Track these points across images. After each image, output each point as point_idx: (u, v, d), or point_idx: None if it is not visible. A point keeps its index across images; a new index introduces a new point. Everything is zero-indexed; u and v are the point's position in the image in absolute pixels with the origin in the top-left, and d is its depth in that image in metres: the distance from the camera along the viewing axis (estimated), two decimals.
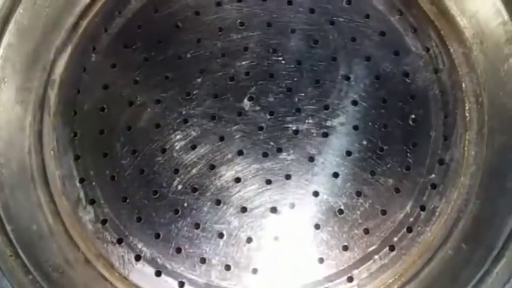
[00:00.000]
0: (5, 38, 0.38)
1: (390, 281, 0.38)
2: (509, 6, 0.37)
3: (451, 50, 0.41)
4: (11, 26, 0.39)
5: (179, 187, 0.39)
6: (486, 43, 0.39)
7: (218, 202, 0.39)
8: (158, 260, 0.38)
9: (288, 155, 0.40)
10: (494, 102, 0.39)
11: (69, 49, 0.42)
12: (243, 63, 0.41)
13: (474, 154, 0.39)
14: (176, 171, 0.40)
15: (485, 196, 0.37)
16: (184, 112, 0.41)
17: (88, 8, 0.42)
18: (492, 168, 0.38)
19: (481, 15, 0.39)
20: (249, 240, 0.38)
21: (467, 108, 0.40)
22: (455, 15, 0.40)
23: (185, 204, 0.39)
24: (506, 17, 0.37)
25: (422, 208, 0.39)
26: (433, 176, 0.39)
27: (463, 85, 0.40)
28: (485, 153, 0.39)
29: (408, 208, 0.39)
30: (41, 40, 0.41)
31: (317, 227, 0.38)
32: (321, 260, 0.38)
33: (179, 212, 0.39)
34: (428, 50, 0.41)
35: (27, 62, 0.40)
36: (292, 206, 0.39)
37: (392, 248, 0.38)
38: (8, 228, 0.35)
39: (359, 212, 0.38)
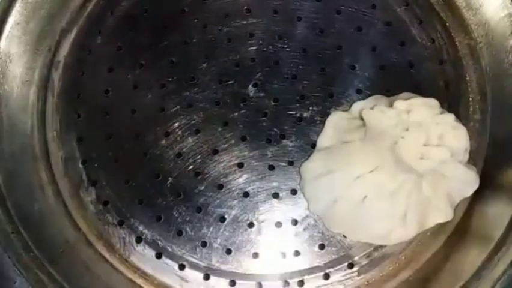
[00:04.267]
0: (11, 17, 0.38)
1: (391, 268, 0.38)
2: None
3: (456, 42, 0.41)
4: (18, 5, 0.39)
5: (182, 171, 0.39)
6: (491, 35, 0.40)
7: (220, 186, 0.39)
8: (159, 242, 0.38)
9: (291, 141, 0.40)
10: (498, 93, 0.39)
11: (74, 31, 0.42)
12: (249, 49, 0.41)
13: (476, 145, 0.39)
14: (179, 155, 0.40)
15: (486, 186, 0.37)
16: (188, 96, 0.40)
17: None
18: (494, 159, 0.38)
19: (486, 8, 0.39)
20: (251, 225, 0.38)
21: (470, 99, 0.40)
22: (461, 7, 0.41)
23: (188, 188, 0.39)
24: (511, 9, 0.38)
25: None
26: None
27: (467, 76, 0.40)
28: (487, 144, 0.39)
29: None
30: (47, 20, 0.41)
31: None
32: (322, 246, 0.38)
33: (181, 196, 0.39)
34: (433, 41, 0.41)
35: (32, 41, 0.40)
36: (295, 192, 0.39)
37: None
38: (10, 205, 0.35)
39: None
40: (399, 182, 0.33)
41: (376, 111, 0.32)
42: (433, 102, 0.32)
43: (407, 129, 0.31)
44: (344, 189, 0.34)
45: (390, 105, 0.35)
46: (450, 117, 0.31)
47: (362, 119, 0.33)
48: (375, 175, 0.33)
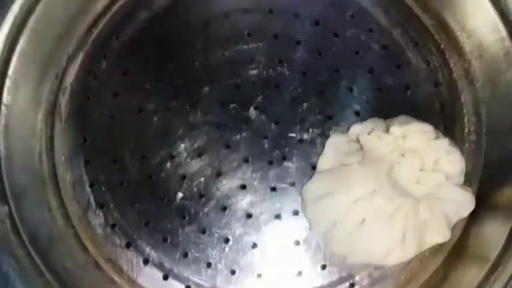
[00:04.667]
0: (19, 45, 0.40)
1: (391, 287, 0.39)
2: (507, 23, 0.39)
3: (451, 64, 0.42)
4: (25, 34, 0.40)
5: (187, 193, 0.41)
6: (485, 57, 0.41)
7: (224, 208, 0.40)
8: (166, 264, 0.39)
9: (292, 163, 0.41)
10: (492, 114, 0.41)
11: (80, 56, 0.43)
12: (250, 73, 0.42)
13: (472, 166, 0.40)
14: (184, 177, 0.41)
15: (482, 207, 0.38)
16: (191, 120, 0.42)
17: (99, 16, 0.43)
18: (489, 179, 0.40)
19: (479, 31, 0.41)
20: (254, 245, 0.40)
21: (465, 120, 0.41)
22: (455, 30, 0.42)
23: (192, 210, 0.40)
24: (504, 33, 0.39)
25: None
26: None
27: (462, 98, 0.42)
28: (482, 165, 0.40)
29: None
30: (53, 47, 0.42)
31: None
32: (324, 267, 0.39)
33: (186, 218, 0.40)
34: (428, 63, 0.42)
35: (39, 69, 0.41)
36: (296, 213, 0.40)
37: None
38: (21, 230, 0.36)
39: None
40: (397, 205, 0.34)
41: (373, 137, 0.33)
42: (428, 127, 0.33)
43: (403, 155, 0.33)
44: (343, 211, 0.35)
45: (387, 129, 0.37)
46: (444, 143, 0.33)
47: (359, 142, 0.35)
48: (374, 198, 0.35)
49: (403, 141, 0.33)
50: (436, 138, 0.33)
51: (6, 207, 0.36)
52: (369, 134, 0.34)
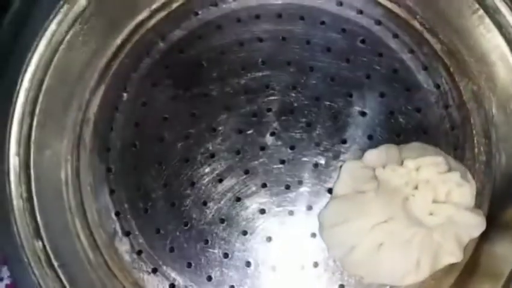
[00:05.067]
0: (45, 83, 0.41)
1: None
2: None
3: (460, 87, 0.43)
4: (51, 71, 0.42)
5: (208, 218, 0.42)
6: (493, 81, 0.42)
7: (245, 232, 0.42)
8: None
9: (309, 187, 0.43)
10: (502, 136, 0.42)
11: (102, 89, 0.45)
12: (265, 99, 0.44)
13: (482, 186, 0.42)
14: (205, 203, 0.43)
15: (493, 226, 0.40)
16: (210, 147, 0.43)
17: (118, 49, 0.45)
18: (500, 199, 0.41)
19: (487, 56, 0.42)
20: (274, 268, 0.41)
21: (475, 141, 0.43)
22: (464, 55, 0.43)
23: (214, 235, 0.42)
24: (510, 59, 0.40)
25: None
26: None
27: (472, 120, 0.43)
28: (493, 186, 0.42)
29: None
30: (76, 81, 0.43)
31: None
32: (342, 287, 0.41)
33: (209, 242, 0.42)
34: (438, 86, 0.44)
35: (64, 102, 0.43)
36: (314, 235, 0.42)
37: None
38: (55, 264, 0.38)
39: None
40: (412, 232, 0.36)
41: (388, 170, 0.35)
42: (440, 160, 0.35)
43: (416, 187, 0.34)
44: (360, 237, 0.37)
45: (400, 155, 0.38)
46: (456, 176, 0.34)
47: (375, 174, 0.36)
48: (389, 225, 0.36)
49: (416, 174, 0.34)
50: (448, 170, 0.35)
51: (40, 243, 0.38)
52: (384, 167, 0.35)
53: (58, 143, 0.43)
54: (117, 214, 0.43)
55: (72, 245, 0.41)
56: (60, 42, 0.41)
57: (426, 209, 0.34)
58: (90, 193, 0.43)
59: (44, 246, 0.39)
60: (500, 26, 0.40)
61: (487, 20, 0.41)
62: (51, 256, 0.38)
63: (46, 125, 0.42)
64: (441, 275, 0.40)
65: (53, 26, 0.41)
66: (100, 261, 0.42)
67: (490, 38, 0.41)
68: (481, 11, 0.41)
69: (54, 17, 0.41)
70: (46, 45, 0.40)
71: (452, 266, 0.40)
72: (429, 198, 0.34)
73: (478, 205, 0.41)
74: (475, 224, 0.37)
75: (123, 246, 0.42)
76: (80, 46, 0.42)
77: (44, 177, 0.42)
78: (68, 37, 0.41)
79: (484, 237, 0.40)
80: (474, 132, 0.43)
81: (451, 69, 0.44)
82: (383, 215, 0.36)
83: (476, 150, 0.43)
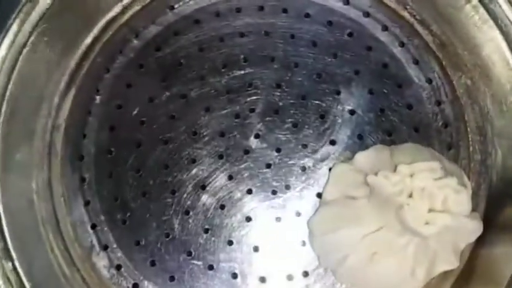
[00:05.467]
0: (9, 89, 0.38)
1: None
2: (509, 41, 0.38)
3: (453, 81, 0.41)
4: (15, 76, 0.38)
5: (191, 228, 0.40)
6: (487, 75, 0.40)
7: (230, 242, 0.40)
8: None
9: (297, 191, 0.40)
10: (498, 132, 0.40)
11: (72, 92, 0.42)
12: (248, 99, 0.41)
13: (478, 186, 0.40)
14: (187, 212, 0.40)
15: (489, 228, 0.38)
16: (191, 152, 0.41)
17: (89, 48, 0.42)
18: (496, 200, 0.39)
19: (481, 49, 0.39)
20: (262, 279, 0.39)
21: (470, 139, 0.41)
22: (457, 48, 0.41)
23: (198, 246, 0.40)
24: (507, 52, 0.38)
25: None
26: None
27: (466, 116, 0.41)
28: (489, 185, 0.40)
29: None
30: (44, 85, 0.40)
31: None
32: None
33: (193, 254, 0.40)
34: (430, 81, 0.41)
35: (32, 108, 0.40)
36: (303, 243, 0.39)
37: None
38: (28, 286, 0.36)
39: None
40: (406, 240, 0.34)
41: (380, 178, 0.33)
42: (435, 165, 0.33)
43: (410, 195, 0.32)
44: (353, 246, 0.35)
45: (392, 157, 0.36)
46: (452, 181, 0.32)
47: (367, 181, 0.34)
48: (383, 233, 0.34)
49: (410, 180, 0.32)
50: (444, 175, 0.32)
51: (10, 264, 0.35)
52: (376, 173, 0.33)
53: (27, 151, 0.40)
54: (93, 227, 0.40)
55: (46, 261, 0.38)
56: (24, 44, 0.37)
57: (422, 219, 0.32)
58: (63, 205, 0.40)
59: (14, 266, 0.36)
60: (495, 17, 0.38)
61: (482, 10, 0.39)
62: (23, 277, 0.36)
63: (12, 133, 0.38)
64: (437, 280, 0.39)
65: (14, 27, 0.37)
66: (76, 277, 0.39)
67: (484, 30, 0.39)
68: (475, 1, 0.39)
69: (16, 17, 0.37)
70: (8, 47, 0.37)
71: (447, 272, 0.38)
72: (424, 208, 0.32)
73: (473, 206, 0.39)
74: (471, 229, 0.35)
75: (101, 261, 0.40)
76: (46, 47, 0.39)
77: (13, 189, 0.39)
78: (32, 38, 0.38)
79: (480, 240, 0.38)
80: (469, 129, 0.41)
81: (443, 63, 0.41)
82: (376, 223, 0.34)
83: (471, 148, 0.41)
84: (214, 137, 0.41)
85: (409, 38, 0.42)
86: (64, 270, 0.39)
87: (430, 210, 0.32)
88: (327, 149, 0.41)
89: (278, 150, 0.41)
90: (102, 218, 0.40)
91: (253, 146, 0.41)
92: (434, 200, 0.32)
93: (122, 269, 0.40)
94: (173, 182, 0.40)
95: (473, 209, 0.38)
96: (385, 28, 0.42)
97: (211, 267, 0.40)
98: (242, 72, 0.42)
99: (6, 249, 0.36)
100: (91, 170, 0.41)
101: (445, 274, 0.38)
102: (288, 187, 0.40)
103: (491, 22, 0.38)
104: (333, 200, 0.38)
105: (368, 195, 0.35)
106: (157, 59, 0.42)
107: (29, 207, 0.39)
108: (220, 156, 0.41)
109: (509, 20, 0.37)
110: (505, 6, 0.38)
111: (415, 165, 0.32)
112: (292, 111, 0.41)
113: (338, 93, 0.41)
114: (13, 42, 0.38)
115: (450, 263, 0.36)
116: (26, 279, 0.36)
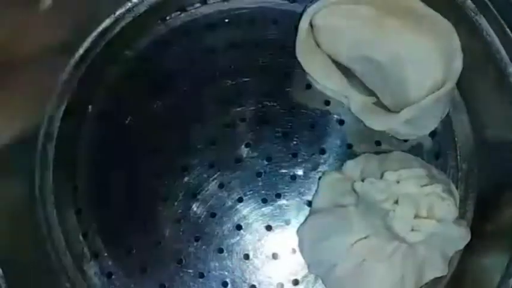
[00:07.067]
0: None
1: None
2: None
3: None
4: None
5: (182, 236, 0.40)
6: (474, 82, 0.40)
7: (221, 250, 0.40)
8: None
9: (287, 200, 0.41)
10: (485, 141, 0.40)
11: (65, 101, 0.42)
12: (239, 109, 0.42)
13: (466, 194, 0.40)
14: (178, 220, 0.40)
15: (477, 236, 0.38)
16: (182, 161, 0.41)
17: (81, 60, 0.42)
18: (484, 208, 0.40)
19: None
20: (253, 287, 0.40)
21: (458, 149, 0.41)
22: None
23: (189, 254, 0.40)
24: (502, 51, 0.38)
25: None
26: None
27: (453, 127, 0.41)
28: (476, 193, 0.40)
29: None
30: (38, 94, 0.41)
31: None
32: None
33: (183, 262, 0.40)
34: None
35: (26, 116, 0.40)
36: (293, 251, 0.40)
37: None
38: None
39: None
40: (395, 246, 0.34)
41: (366, 184, 0.33)
42: (421, 172, 0.33)
43: (396, 202, 0.33)
44: (342, 253, 0.35)
45: (380, 165, 0.37)
46: (438, 188, 0.32)
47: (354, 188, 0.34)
48: (371, 241, 0.35)
49: (397, 187, 0.33)
50: (430, 183, 0.33)
51: (0, 270, 0.36)
52: (363, 180, 0.33)
53: (19, 159, 0.40)
54: (84, 235, 0.40)
55: (37, 269, 0.38)
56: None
57: (408, 225, 0.32)
58: (55, 214, 0.41)
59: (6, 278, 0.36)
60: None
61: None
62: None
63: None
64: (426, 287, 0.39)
65: None
66: (67, 286, 0.39)
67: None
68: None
69: None
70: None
71: (436, 280, 0.38)
72: (410, 214, 0.32)
73: (461, 215, 0.39)
74: (459, 236, 0.36)
75: (92, 269, 0.40)
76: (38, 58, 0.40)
77: (5, 197, 0.39)
78: None
79: (469, 248, 0.38)
80: (456, 139, 0.41)
81: None
82: (365, 230, 0.35)
83: (458, 157, 0.41)
84: (205, 146, 0.41)
85: None
86: (54, 278, 0.39)
87: (416, 217, 0.32)
88: (317, 158, 0.41)
89: (269, 159, 0.41)
90: (93, 226, 0.40)
91: (244, 155, 0.41)
92: (419, 207, 0.32)
93: (113, 277, 0.40)
94: (164, 191, 0.41)
95: (461, 217, 0.39)
96: None
97: (201, 275, 0.40)
98: (232, 82, 0.42)
99: None
100: (83, 178, 0.41)
101: (434, 282, 0.38)
102: (278, 195, 0.41)
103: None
104: (323, 208, 0.38)
105: (356, 204, 0.35)
106: (149, 70, 0.42)
107: (21, 215, 0.39)
108: (211, 165, 0.41)
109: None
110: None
111: (401, 171, 0.33)
112: (282, 121, 0.42)
113: (327, 103, 0.42)
114: None
115: (439, 270, 0.36)
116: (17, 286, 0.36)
